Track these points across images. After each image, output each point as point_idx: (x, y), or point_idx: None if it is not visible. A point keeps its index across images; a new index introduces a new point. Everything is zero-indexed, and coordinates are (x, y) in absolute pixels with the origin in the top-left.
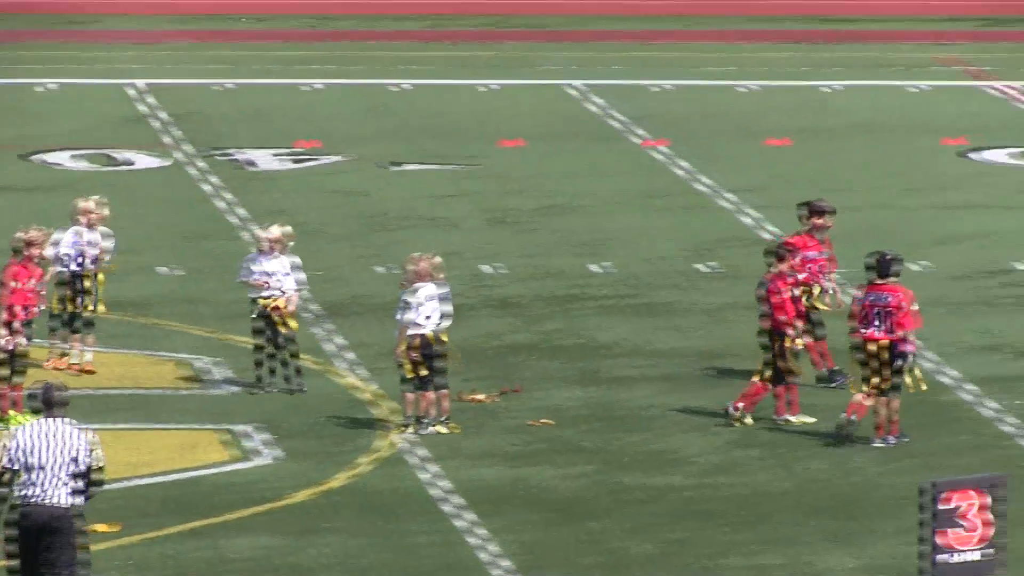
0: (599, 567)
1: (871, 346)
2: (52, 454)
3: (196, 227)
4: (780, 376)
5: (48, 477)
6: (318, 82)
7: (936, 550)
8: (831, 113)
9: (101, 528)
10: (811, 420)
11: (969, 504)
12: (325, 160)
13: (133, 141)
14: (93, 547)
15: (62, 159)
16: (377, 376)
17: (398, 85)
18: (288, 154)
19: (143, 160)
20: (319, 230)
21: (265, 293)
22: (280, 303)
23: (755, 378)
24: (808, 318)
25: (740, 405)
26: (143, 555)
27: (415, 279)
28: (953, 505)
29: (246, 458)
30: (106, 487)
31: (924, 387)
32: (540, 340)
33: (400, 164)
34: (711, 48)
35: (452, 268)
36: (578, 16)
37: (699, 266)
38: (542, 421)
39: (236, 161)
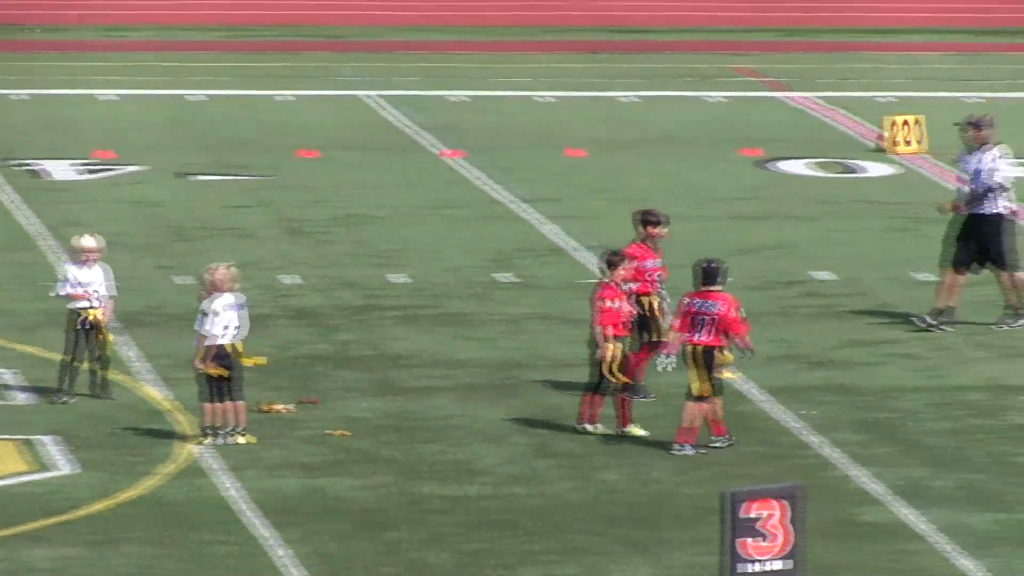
0: None
1: (689, 350)
2: None
3: None
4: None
5: None
6: (114, 92)
7: (736, 559)
8: (627, 124)
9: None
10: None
11: (769, 514)
12: (122, 170)
13: None
14: None
15: None
16: (174, 387)
17: (195, 95)
18: (85, 164)
19: None
20: (116, 240)
21: (84, 304)
22: (98, 313)
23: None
24: (645, 328)
25: (585, 420)
26: None
27: (212, 289)
28: (753, 515)
29: (43, 468)
30: None
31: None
32: (337, 351)
33: (197, 174)
34: (508, 59)
35: (249, 278)
36: (374, 27)
37: (497, 276)
38: (339, 431)
39: (33, 171)
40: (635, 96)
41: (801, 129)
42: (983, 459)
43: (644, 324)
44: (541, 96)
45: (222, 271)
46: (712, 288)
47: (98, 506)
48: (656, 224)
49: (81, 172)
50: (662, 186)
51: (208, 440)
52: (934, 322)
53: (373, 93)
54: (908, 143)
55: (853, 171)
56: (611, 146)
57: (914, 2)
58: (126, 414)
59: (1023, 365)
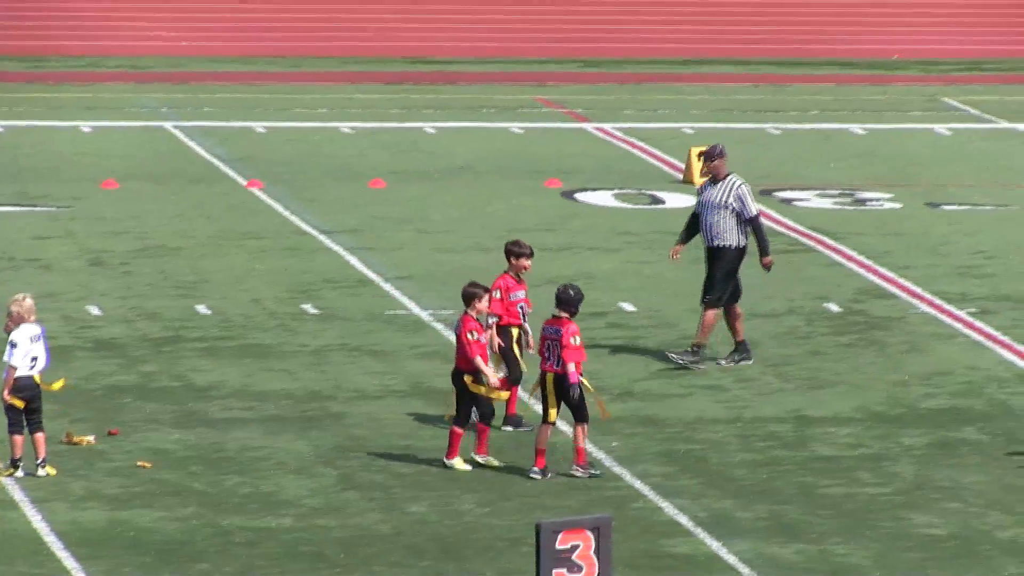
0: None
1: (544, 378)
2: None
3: None
4: (467, 416)
5: None
6: None
7: None
8: (429, 155)
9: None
10: (495, 462)
11: (580, 545)
12: None
13: None
14: None
15: None
16: None
17: None
18: None
19: None
20: None
21: None
22: None
23: (448, 420)
24: (506, 359)
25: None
26: None
27: (20, 320)
28: (568, 545)
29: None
30: None
31: (605, 415)
32: (140, 382)
33: None
34: (310, 89)
35: (50, 310)
36: (176, 57)
37: (300, 307)
38: (142, 463)
39: None
40: (437, 127)
41: (603, 160)
42: (789, 490)
43: (506, 356)
44: (343, 127)
45: (28, 302)
46: (559, 315)
47: None
48: (521, 256)
49: None
50: (464, 217)
51: (18, 472)
52: (738, 358)
53: (175, 123)
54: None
55: (655, 202)
56: (413, 177)
57: (715, 33)
58: None
59: (824, 396)
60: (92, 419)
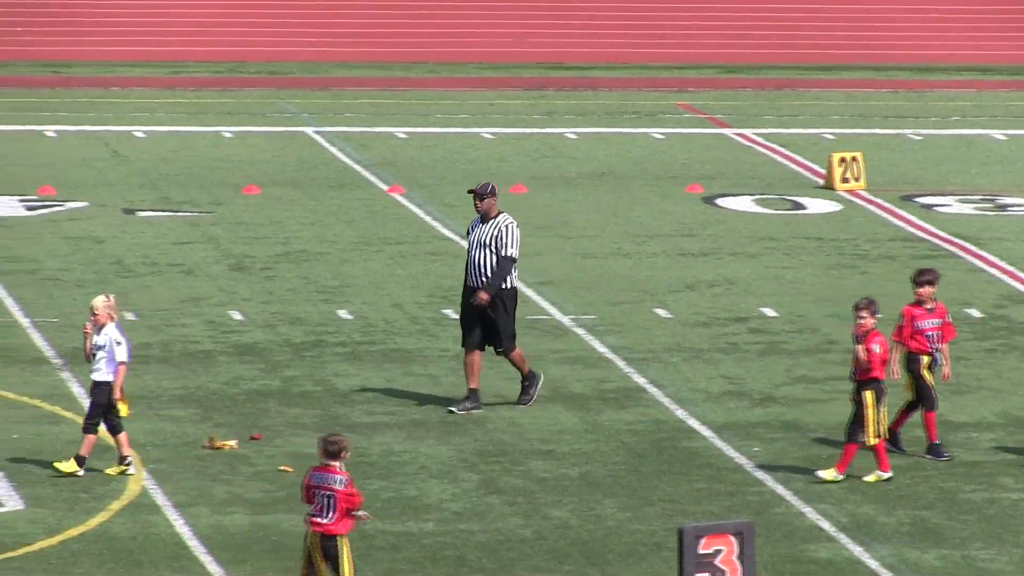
0: None
1: None
2: None
3: None
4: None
5: None
6: (55, 128)
7: None
8: (569, 160)
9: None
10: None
11: (723, 549)
12: (63, 207)
13: None
14: None
15: None
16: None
17: (137, 132)
18: (27, 200)
19: None
20: (59, 276)
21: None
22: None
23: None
24: (918, 387)
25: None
26: None
27: (108, 320)
28: (711, 550)
29: None
30: None
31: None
32: (283, 386)
33: (139, 210)
34: (450, 96)
35: (192, 315)
36: (317, 63)
37: (442, 312)
38: (284, 467)
39: None
40: (578, 132)
41: (743, 165)
42: (931, 495)
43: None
44: (484, 132)
45: (113, 302)
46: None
47: (44, 543)
48: (916, 283)
49: (23, 208)
50: (605, 222)
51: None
52: (472, 405)
53: (316, 129)
54: (847, 180)
55: (795, 207)
56: (553, 183)
57: (856, 39)
58: (72, 450)
59: (966, 402)
60: (234, 424)
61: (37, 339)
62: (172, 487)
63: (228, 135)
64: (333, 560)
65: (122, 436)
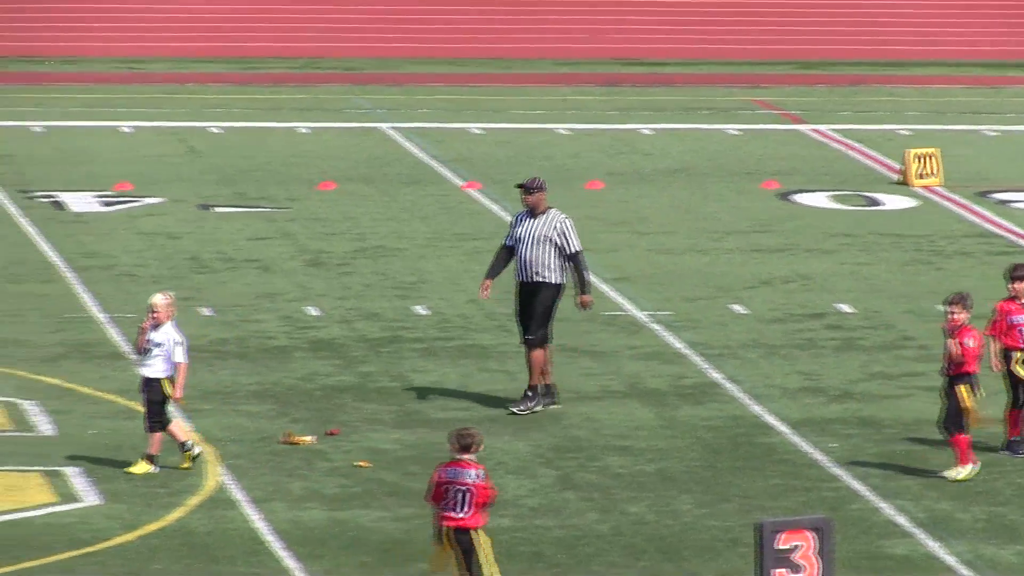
0: None
1: None
2: None
3: (12, 269)
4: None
5: None
6: (131, 124)
7: None
8: (645, 156)
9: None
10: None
11: (802, 545)
12: (140, 202)
13: None
14: None
15: None
16: (197, 417)
17: (212, 128)
18: (103, 196)
19: None
20: (135, 272)
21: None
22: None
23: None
24: (1014, 385)
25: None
26: None
27: (167, 319)
28: (789, 546)
29: (68, 500)
30: None
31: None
32: (359, 382)
33: (215, 206)
34: (525, 91)
35: (269, 310)
36: (391, 59)
37: None
38: (361, 463)
39: (53, 203)
40: (653, 128)
41: (819, 161)
42: (1008, 491)
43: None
44: (559, 128)
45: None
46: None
47: (123, 538)
48: (1012, 279)
49: (99, 204)
50: (681, 218)
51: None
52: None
53: (390, 125)
54: (923, 176)
55: (871, 203)
56: (628, 179)
57: (931, 35)
58: (147, 445)
59: None
60: (311, 419)
61: (113, 335)
62: (249, 482)
63: (304, 131)
64: (468, 554)
65: (173, 426)
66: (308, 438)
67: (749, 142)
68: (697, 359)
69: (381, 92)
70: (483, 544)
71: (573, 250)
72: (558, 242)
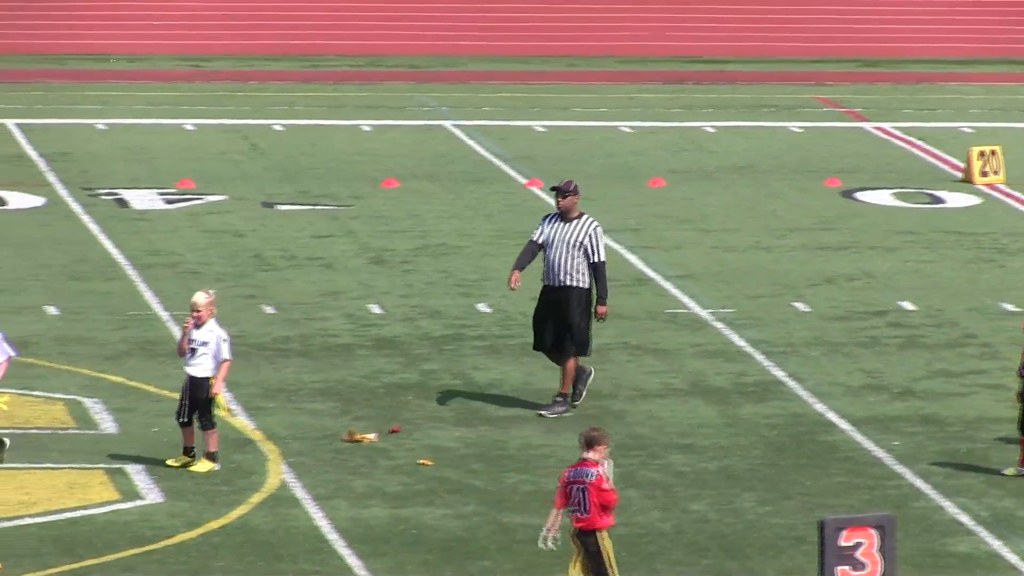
0: None
1: None
2: None
3: (76, 267)
4: None
5: None
6: (194, 122)
7: None
8: (708, 154)
9: None
10: None
11: (863, 542)
12: (202, 200)
13: (11, 180)
14: None
15: None
16: (255, 416)
17: (276, 125)
18: (166, 194)
19: (21, 199)
20: (199, 270)
21: None
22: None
23: None
24: None
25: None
26: None
27: (209, 317)
28: (851, 543)
29: (131, 498)
30: None
31: None
32: (422, 380)
33: (280, 204)
34: (589, 89)
35: (332, 308)
36: (456, 57)
37: None
38: (423, 461)
39: (117, 201)
40: (716, 126)
41: (882, 159)
42: None
43: None
44: (622, 126)
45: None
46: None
47: (185, 535)
48: None
49: (162, 202)
50: (744, 215)
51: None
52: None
53: (454, 123)
54: (986, 174)
55: (934, 201)
56: (692, 176)
57: (995, 33)
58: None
59: None
60: (374, 417)
61: (176, 333)
62: (311, 480)
63: (367, 128)
64: (595, 556)
65: (212, 433)
66: (371, 436)
67: (812, 140)
68: (760, 357)
69: (445, 90)
70: (606, 546)
71: (599, 259)
72: (587, 248)
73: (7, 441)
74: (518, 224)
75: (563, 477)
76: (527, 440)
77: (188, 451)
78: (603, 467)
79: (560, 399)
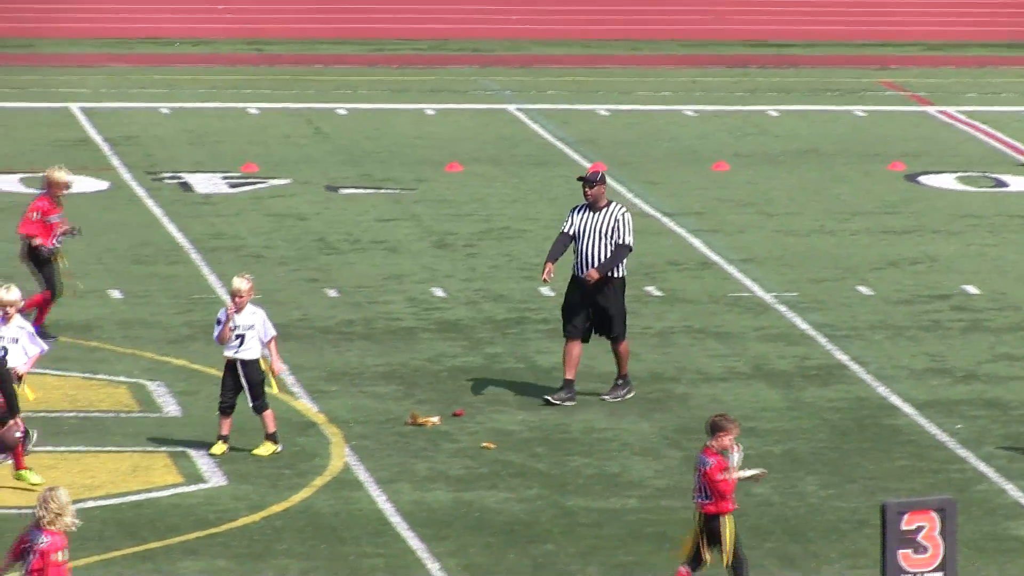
0: None
1: None
2: None
3: (139, 251)
4: None
5: None
6: (258, 106)
7: (898, 571)
8: (772, 137)
9: None
10: None
11: (925, 526)
12: (266, 184)
13: (76, 164)
14: None
15: (9, 183)
16: (318, 400)
17: (339, 109)
18: (230, 178)
19: (86, 183)
20: (263, 253)
21: None
22: None
23: None
24: None
25: None
26: None
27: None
28: (913, 526)
29: (194, 481)
30: None
31: None
32: (485, 363)
33: (342, 187)
34: (652, 73)
35: (396, 291)
36: (518, 40)
37: (644, 289)
38: (486, 444)
39: (180, 184)
40: (780, 110)
41: (946, 143)
42: None
43: None
44: (686, 110)
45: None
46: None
47: (248, 519)
48: None
49: (226, 185)
50: (808, 199)
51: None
52: (566, 396)
53: (517, 106)
54: None
55: (998, 185)
56: (755, 160)
57: None
58: (276, 425)
59: None
60: (437, 400)
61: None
62: (374, 464)
63: (430, 112)
64: (716, 540)
65: (268, 414)
66: (434, 419)
67: (876, 124)
68: (823, 340)
69: (508, 73)
70: (728, 530)
71: (625, 241)
72: (617, 233)
73: (34, 434)
74: None
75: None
76: (590, 423)
77: (226, 439)
78: (722, 456)
79: (621, 382)
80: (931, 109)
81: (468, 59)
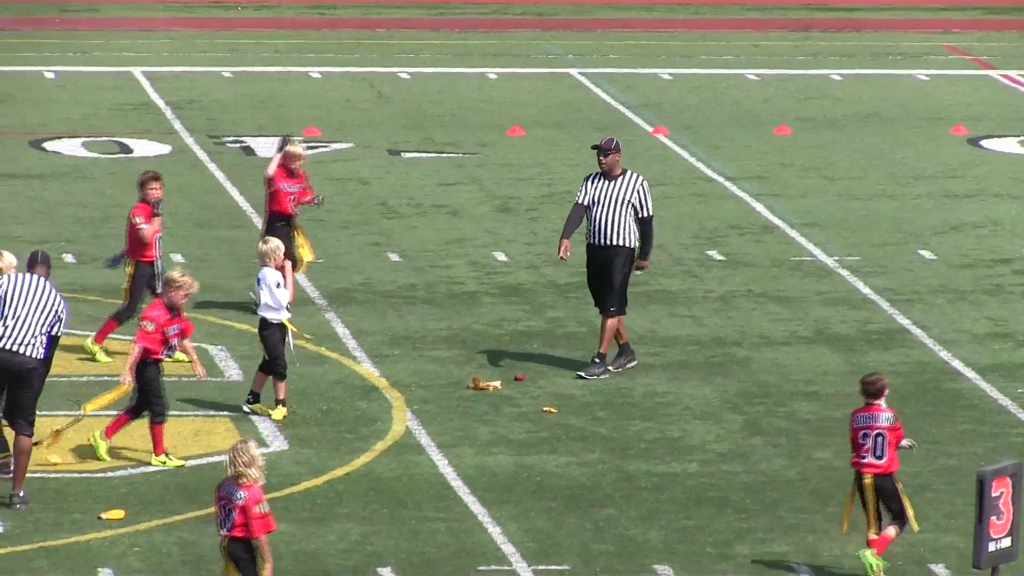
0: (608, 555)
1: None
2: (32, 308)
3: (202, 214)
4: None
5: (25, 330)
6: (320, 70)
7: (988, 539)
8: (834, 102)
9: (108, 515)
10: None
11: (1004, 491)
12: (328, 148)
13: (138, 128)
14: (101, 535)
15: (71, 147)
16: (384, 363)
17: (402, 73)
18: None
19: (149, 147)
20: (325, 218)
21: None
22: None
23: None
24: None
25: None
26: (153, 542)
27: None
28: (998, 492)
29: (256, 445)
30: (118, 473)
31: None
32: (547, 327)
33: (404, 152)
34: (715, 37)
35: (457, 255)
36: (582, 5)
37: (706, 253)
38: (548, 408)
39: (243, 148)
40: (842, 74)
41: (1008, 107)
42: None
43: None
44: (749, 74)
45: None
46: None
47: (311, 482)
48: None
49: None
50: (870, 164)
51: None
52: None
53: (581, 70)
54: None
55: None
56: (818, 124)
57: None
58: (337, 391)
59: None
60: (499, 365)
61: (302, 280)
62: (436, 428)
63: (493, 76)
64: (888, 499)
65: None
66: (495, 383)
67: (938, 88)
68: (884, 305)
69: (571, 37)
70: (900, 487)
71: (648, 213)
72: (636, 204)
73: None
74: (644, 172)
75: (851, 424)
76: (651, 388)
77: (284, 403)
78: (892, 412)
79: (598, 360)
80: (993, 73)
81: (531, 23)
